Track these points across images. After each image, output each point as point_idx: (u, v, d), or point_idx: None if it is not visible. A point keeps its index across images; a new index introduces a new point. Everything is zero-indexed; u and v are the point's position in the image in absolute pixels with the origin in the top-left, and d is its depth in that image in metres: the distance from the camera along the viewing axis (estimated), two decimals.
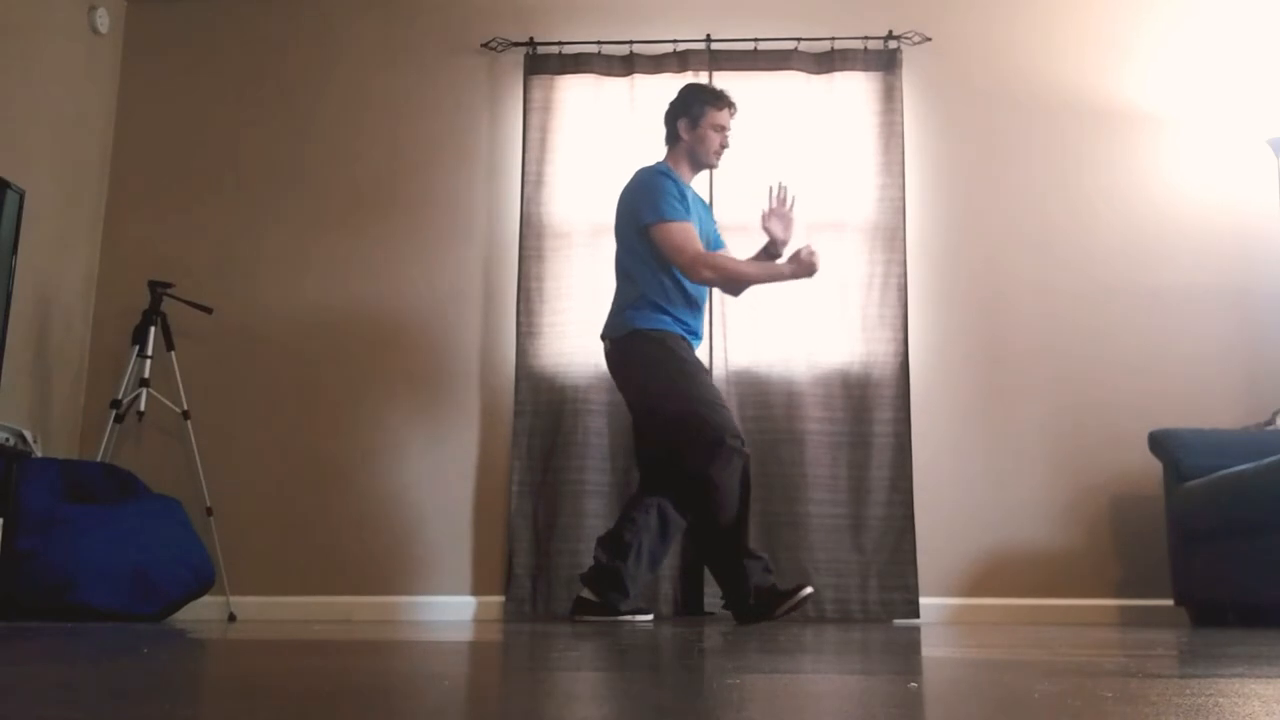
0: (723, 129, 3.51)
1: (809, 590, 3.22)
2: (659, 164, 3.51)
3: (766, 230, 3.52)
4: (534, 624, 3.31)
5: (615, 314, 3.45)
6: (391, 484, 4.24)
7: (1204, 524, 3.52)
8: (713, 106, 3.49)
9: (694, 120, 3.50)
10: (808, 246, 3.37)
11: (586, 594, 3.41)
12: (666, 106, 3.58)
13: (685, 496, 3.36)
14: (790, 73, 4.31)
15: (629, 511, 3.39)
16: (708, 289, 3.55)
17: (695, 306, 3.45)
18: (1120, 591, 4.04)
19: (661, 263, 3.38)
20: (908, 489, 4.04)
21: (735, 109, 3.54)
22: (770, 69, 4.32)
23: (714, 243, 3.63)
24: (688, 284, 3.41)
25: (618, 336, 3.41)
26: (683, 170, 3.53)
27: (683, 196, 3.42)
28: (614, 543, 3.36)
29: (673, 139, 3.55)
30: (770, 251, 3.54)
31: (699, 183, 3.78)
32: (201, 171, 4.51)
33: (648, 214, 3.37)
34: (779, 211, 3.53)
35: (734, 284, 3.49)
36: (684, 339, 3.40)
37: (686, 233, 3.35)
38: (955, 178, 4.34)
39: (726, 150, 3.55)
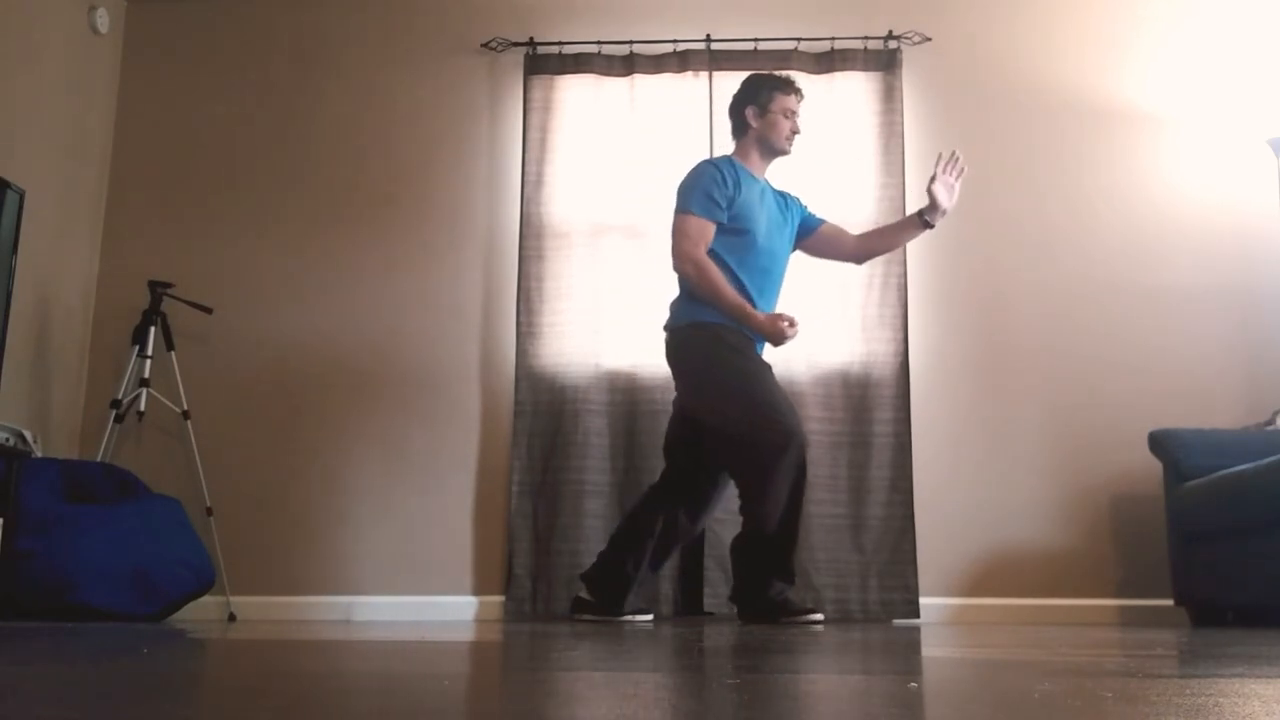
0: (793, 114, 3.44)
1: (819, 617, 3.18)
2: (722, 156, 3.44)
3: (930, 193, 3.41)
4: (534, 624, 3.31)
5: (675, 305, 3.38)
6: (391, 483, 4.24)
7: (1204, 524, 3.52)
8: (781, 91, 3.43)
9: (762, 107, 3.43)
10: (792, 319, 3.25)
11: (584, 593, 3.40)
12: (730, 100, 3.51)
13: (712, 497, 3.35)
14: (790, 72, 4.31)
15: (638, 514, 3.36)
16: (775, 295, 3.43)
17: (754, 304, 3.32)
18: (1120, 591, 4.04)
19: (717, 258, 3.30)
20: (908, 489, 4.04)
21: (803, 95, 3.48)
22: (770, 69, 4.31)
23: (807, 226, 3.53)
24: (746, 281, 3.32)
25: (675, 327, 3.34)
26: (752, 160, 3.44)
27: (730, 185, 3.30)
28: (617, 545, 3.35)
29: (740, 129, 3.47)
30: (925, 218, 3.44)
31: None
32: (202, 171, 4.51)
33: (679, 201, 3.33)
34: (945, 179, 3.42)
35: (705, 296, 3.28)
36: (744, 335, 3.29)
37: (700, 228, 3.28)
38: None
39: (798, 136, 3.47)
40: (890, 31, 4.38)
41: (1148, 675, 1.17)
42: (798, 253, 3.60)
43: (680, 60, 4.36)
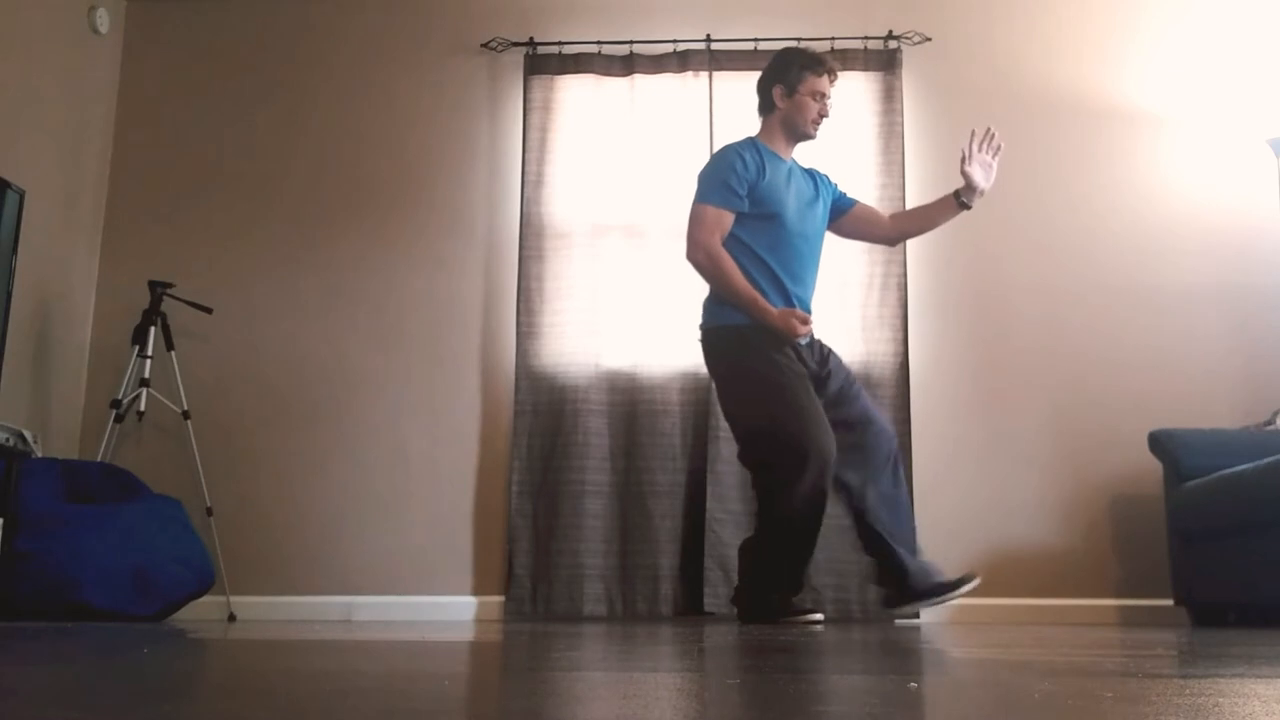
0: (823, 96, 3.25)
1: (819, 617, 3.15)
2: (746, 138, 3.29)
3: (965, 174, 3.26)
4: (534, 624, 3.31)
5: (705, 304, 3.26)
6: (392, 484, 4.24)
7: (1204, 524, 3.52)
8: (812, 71, 3.23)
9: (790, 86, 3.24)
10: (805, 316, 3.13)
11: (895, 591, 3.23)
12: (760, 73, 3.35)
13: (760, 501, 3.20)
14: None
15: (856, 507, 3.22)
16: (813, 277, 3.30)
17: (787, 300, 3.20)
18: (1120, 591, 4.04)
19: (746, 247, 3.18)
20: (908, 489, 4.03)
21: (837, 75, 3.31)
22: None
23: (840, 206, 3.39)
24: (779, 266, 3.19)
25: (708, 328, 3.23)
26: (776, 142, 3.29)
27: (752, 170, 3.18)
28: (877, 540, 3.22)
29: (766, 107, 3.30)
30: (962, 199, 3.31)
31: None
32: (201, 171, 4.51)
33: (698, 190, 3.22)
34: (981, 158, 3.28)
35: (717, 286, 3.20)
36: (771, 333, 3.14)
37: (716, 217, 3.16)
38: (955, 177, 4.33)
39: (826, 120, 3.30)
40: (890, 31, 4.38)
41: (1148, 675, 1.17)
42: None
43: (680, 60, 4.36)
